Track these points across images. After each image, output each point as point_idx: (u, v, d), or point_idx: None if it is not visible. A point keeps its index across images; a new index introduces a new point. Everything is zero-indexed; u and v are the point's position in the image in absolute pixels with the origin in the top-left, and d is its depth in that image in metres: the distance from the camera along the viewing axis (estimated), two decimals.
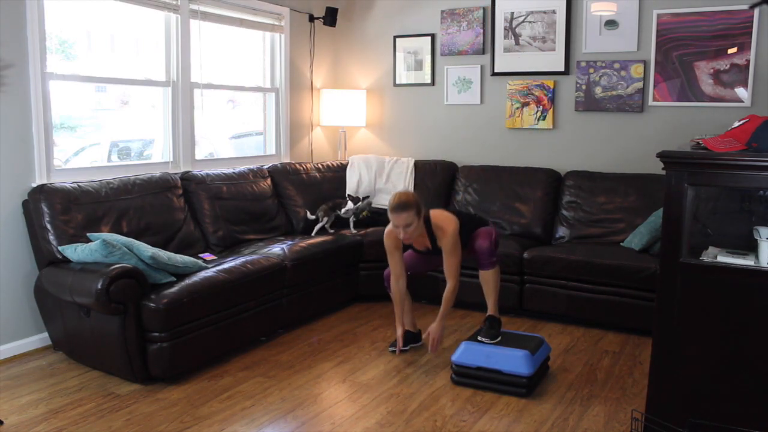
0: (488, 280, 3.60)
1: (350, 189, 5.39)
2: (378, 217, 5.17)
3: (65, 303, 3.42)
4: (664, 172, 2.54)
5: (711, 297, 2.50)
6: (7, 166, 3.60)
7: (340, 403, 3.18)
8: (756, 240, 2.49)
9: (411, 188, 5.39)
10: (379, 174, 5.46)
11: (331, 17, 5.61)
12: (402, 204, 3.38)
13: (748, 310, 2.44)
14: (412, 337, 3.89)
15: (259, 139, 5.53)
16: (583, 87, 4.98)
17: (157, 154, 4.66)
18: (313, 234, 4.68)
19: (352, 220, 4.84)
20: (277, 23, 5.34)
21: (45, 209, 3.52)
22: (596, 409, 3.11)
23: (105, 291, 3.11)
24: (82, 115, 4.35)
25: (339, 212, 4.80)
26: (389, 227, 3.55)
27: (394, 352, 3.79)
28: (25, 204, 3.64)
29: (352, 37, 5.94)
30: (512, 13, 5.18)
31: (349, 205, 4.77)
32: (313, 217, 4.78)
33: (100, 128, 4.52)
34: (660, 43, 4.69)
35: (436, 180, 5.33)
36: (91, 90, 4.36)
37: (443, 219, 3.52)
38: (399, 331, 3.76)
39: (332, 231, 4.77)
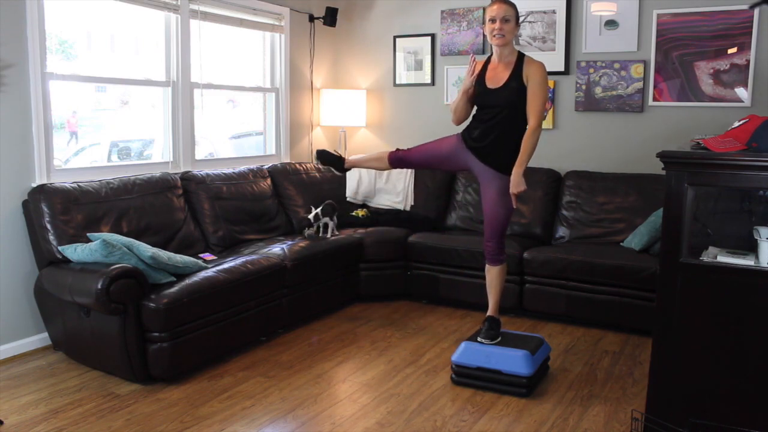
0: (493, 275, 3.50)
1: (350, 189, 5.40)
2: (378, 217, 5.18)
3: (65, 303, 3.42)
4: (664, 172, 2.54)
5: (711, 297, 2.50)
6: (7, 166, 3.60)
7: (340, 403, 3.18)
8: (756, 240, 2.49)
9: (411, 188, 5.39)
10: (379, 174, 5.46)
11: (331, 17, 5.61)
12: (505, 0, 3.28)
13: (748, 310, 2.44)
14: (338, 160, 3.80)
15: (259, 139, 5.53)
16: (583, 87, 4.98)
17: (157, 154, 4.66)
18: (329, 236, 4.63)
19: (330, 227, 4.71)
20: (277, 23, 5.34)
21: (45, 209, 3.52)
22: (596, 409, 3.11)
23: (105, 291, 3.11)
24: (82, 115, 4.36)
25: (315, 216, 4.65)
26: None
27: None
28: (25, 204, 3.64)
29: (352, 37, 5.94)
30: None
31: (308, 231, 4.63)
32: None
33: (100, 128, 4.53)
34: (660, 43, 4.69)
35: (436, 180, 5.33)
36: (91, 90, 4.36)
37: (538, 61, 3.31)
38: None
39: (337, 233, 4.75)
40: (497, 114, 3.33)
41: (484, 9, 3.33)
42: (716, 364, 2.51)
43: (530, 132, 3.24)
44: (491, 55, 3.43)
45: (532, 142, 3.24)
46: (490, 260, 3.49)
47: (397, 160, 3.67)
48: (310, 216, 4.60)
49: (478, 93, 3.40)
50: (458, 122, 3.55)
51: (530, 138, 3.24)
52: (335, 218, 4.75)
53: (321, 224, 4.65)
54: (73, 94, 3.99)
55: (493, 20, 3.25)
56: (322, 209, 4.66)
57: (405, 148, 3.73)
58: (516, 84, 3.28)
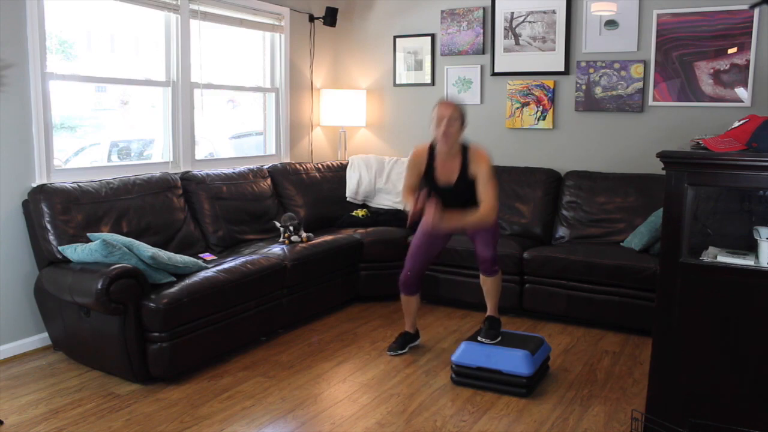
0: (489, 284, 3.62)
1: (350, 189, 5.40)
2: (378, 217, 5.17)
3: (65, 303, 3.42)
4: (664, 172, 2.54)
5: (711, 297, 2.50)
6: (7, 166, 3.60)
7: (340, 403, 3.18)
8: (756, 240, 2.49)
9: None
10: (379, 174, 5.46)
11: (331, 17, 5.61)
12: (452, 102, 3.40)
13: (748, 310, 2.44)
14: (410, 338, 3.88)
15: (259, 139, 5.53)
16: (583, 87, 4.98)
17: (157, 154, 4.66)
18: (280, 240, 4.44)
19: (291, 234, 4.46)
20: (277, 23, 5.34)
21: (45, 209, 3.52)
22: (596, 409, 3.11)
23: (105, 291, 3.11)
24: (82, 115, 4.36)
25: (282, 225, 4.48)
26: (418, 146, 3.53)
27: (393, 354, 3.78)
28: (25, 204, 3.64)
29: (352, 37, 5.94)
30: (512, 13, 5.18)
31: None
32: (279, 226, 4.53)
33: (100, 128, 4.53)
34: (660, 43, 4.68)
35: None
36: (91, 90, 4.36)
37: (482, 150, 3.43)
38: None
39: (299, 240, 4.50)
40: (450, 203, 3.42)
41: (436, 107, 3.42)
42: (716, 364, 2.51)
43: (487, 208, 3.33)
44: (433, 143, 3.48)
45: (481, 217, 3.33)
46: (486, 272, 3.57)
47: (407, 283, 3.69)
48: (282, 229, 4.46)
49: (429, 185, 3.50)
50: None
51: (486, 213, 3.32)
52: (291, 226, 4.42)
53: (291, 236, 4.43)
54: (61, 92, 3.96)
55: (441, 119, 3.34)
56: (282, 225, 4.47)
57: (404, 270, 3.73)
58: (465, 180, 3.41)
